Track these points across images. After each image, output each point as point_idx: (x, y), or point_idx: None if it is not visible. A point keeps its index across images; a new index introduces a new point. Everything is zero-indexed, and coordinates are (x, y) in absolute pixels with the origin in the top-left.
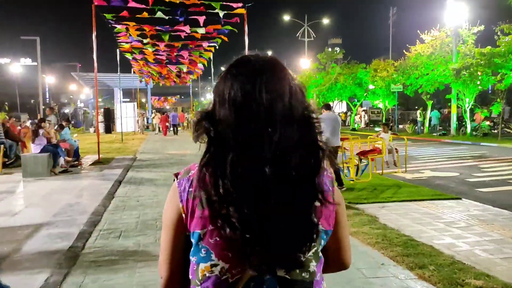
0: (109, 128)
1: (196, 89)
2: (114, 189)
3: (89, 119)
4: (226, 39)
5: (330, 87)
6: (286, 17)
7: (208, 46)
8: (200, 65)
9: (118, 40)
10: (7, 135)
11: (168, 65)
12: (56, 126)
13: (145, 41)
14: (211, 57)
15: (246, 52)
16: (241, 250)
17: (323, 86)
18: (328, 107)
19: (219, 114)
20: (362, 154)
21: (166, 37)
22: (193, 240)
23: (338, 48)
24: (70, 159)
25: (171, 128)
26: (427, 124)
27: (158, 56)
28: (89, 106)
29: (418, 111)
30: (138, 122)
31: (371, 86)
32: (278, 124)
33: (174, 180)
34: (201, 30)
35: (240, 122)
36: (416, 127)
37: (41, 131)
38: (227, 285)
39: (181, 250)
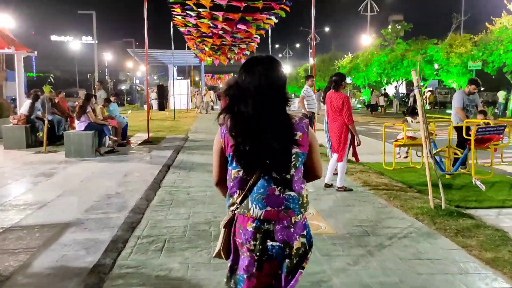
0: (162, 105)
1: None
2: (161, 176)
3: (144, 96)
4: (288, 9)
5: (395, 64)
6: None
7: (268, 19)
8: (256, 37)
9: (173, 13)
10: (55, 110)
11: (223, 35)
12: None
13: (202, 11)
14: (269, 33)
15: (313, 24)
16: (246, 163)
17: (388, 63)
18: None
19: (237, 89)
20: (481, 142)
21: (224, 4)
22: (229, 158)
23: (405, 23)
24: (115, 138)
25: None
26: (510, 106)
27: (213, 29)
28: (144, 83)
29: (500, 92)
30: (195, 99)
31: (435, 66)
32: (264, 96)
33: (219, 126)
34: None
35: (245, 94)
36: (497, 110)
37: (88, 108)
38: (246, 180)
39: (223, 164)
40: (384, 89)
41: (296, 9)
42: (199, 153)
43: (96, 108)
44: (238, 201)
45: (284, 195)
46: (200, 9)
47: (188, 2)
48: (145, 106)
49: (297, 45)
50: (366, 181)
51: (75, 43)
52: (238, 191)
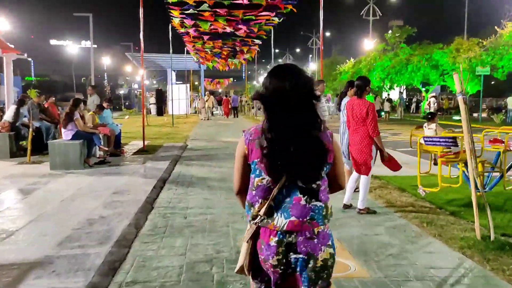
0: (161, 111)
1: (249, 72)
2: (155, 194)
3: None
4: (294, 9)
5: (399, 69)
6: None
7: (268, 21)
8: (257, 41)
9: (170, 14)
10: (44, 116)
11: (223, 39)
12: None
13: (201, 11)
14: (272, 35)
15: (321, 26)
16: (276, 171)
17: (392, 68)
18: None
19: (265, 95)
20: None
21: (227, 2)
22: (252, 166)
23: (408, 27)
24: (106, 149)
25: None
26: None
27: (213, 28)
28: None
29: (509, 98)
30: (197, 105)
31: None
32: (294, 101)
33: (242, 133)
34: None
35: (274, 101)
36: (506, 116)
37: (76, 115)
38: (270, 189)
39: (245, 172)
40: (388, 95)
41: (296, 13)
42: (198, 164)
43: (85, 114)
44: (262, 212)
45: (310, 205)
46: (201, 8)
47: (187, 0)
48: (145, 110)
49: (297, 50)
50: (389, 200)
51: (73, 47)
52: (260, 200)
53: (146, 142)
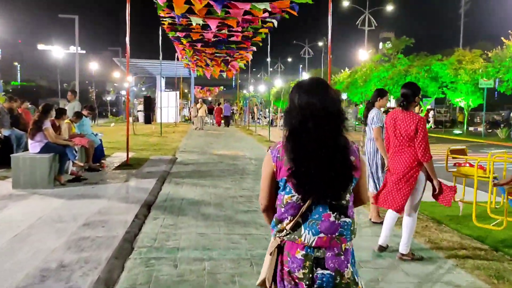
0: (149, 118)
1: (240, 81)
2: (137, 227)
3: (130, 107)
4: (295, 13)
5: (397, 80)
6: (346, 3)
7: (269, 20)
8: (252, 47)
9: (160, 15)
10: (17, 124)
11: (216, 45)
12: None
13: (193, 22)
14: (268, 40)
15: (329, 33)
16: (306, 189)
17: (390, 79)
18: None
19: (292, 112)
20: None
21: (222, 14)
22: (281, 183)
23: (406, 37)
24: (81, 164)
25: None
26: None
27: (205, 34)
28: (131, 94)
29: None
30: (188, 114)
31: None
32: (323, 117)
33: (267, 150)
34: (265, 5)
35: (303, 117)
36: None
37: (46, 124)
38: (299, 206)
39: (272, 189)
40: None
41: (288, 23)
42: (190, 183)
43: (61, 124)
44: (288, 227)
45: (339, 222)
46: (191, 19)
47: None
48: (131, 119)
49: (289, 60)
50: (431, 238)
51: (59, 52)
52: (289, 217)
53: (130, 155)
